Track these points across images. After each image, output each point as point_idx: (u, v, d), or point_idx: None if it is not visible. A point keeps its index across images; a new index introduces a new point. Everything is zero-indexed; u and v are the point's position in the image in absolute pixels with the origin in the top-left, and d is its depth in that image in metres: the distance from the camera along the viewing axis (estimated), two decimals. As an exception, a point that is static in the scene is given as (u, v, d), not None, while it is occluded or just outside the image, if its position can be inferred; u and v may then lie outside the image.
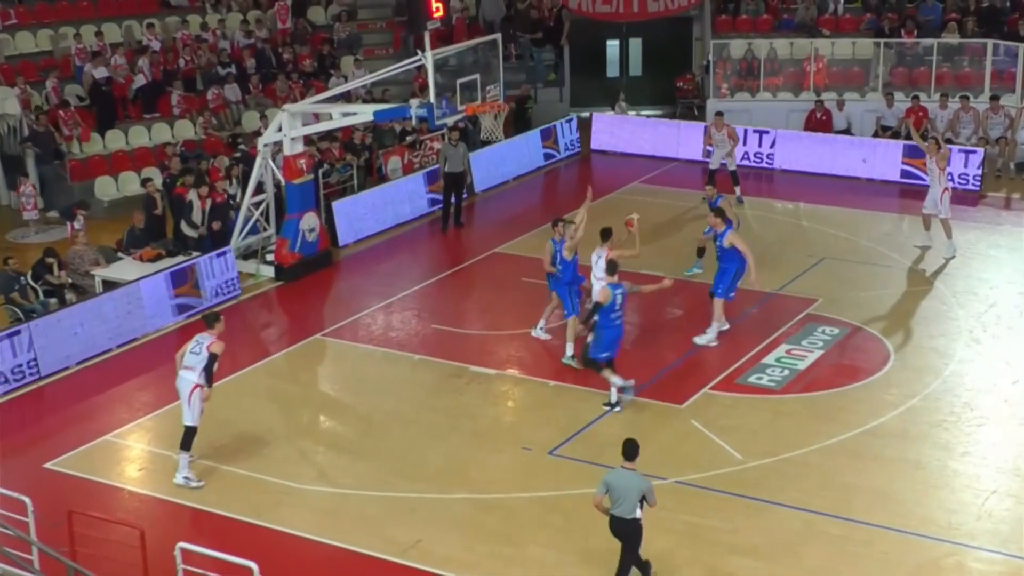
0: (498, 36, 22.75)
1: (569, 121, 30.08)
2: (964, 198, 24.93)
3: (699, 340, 18.74)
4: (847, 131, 29.12)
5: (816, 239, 23.50)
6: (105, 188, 25.99)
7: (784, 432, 16.16)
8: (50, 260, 20.32)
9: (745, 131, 27.85)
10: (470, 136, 26.78)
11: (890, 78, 30.44)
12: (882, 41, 30.75)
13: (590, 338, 16.97)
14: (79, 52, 28.48)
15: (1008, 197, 26.14)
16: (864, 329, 19.26)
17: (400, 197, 25.15)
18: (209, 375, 14.86)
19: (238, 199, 22.87)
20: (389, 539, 13.92)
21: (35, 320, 18.45)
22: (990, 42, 29.74)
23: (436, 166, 25.72)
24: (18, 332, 17.93)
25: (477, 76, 21.01)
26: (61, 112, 26.65)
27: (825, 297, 20.37)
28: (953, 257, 22.05)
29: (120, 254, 21.55)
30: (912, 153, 26.11)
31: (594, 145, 30.16)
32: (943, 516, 14.21)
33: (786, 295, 20.59)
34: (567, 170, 29.00)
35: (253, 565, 11.69)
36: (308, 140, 23.53)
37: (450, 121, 21.46)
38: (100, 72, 27.78)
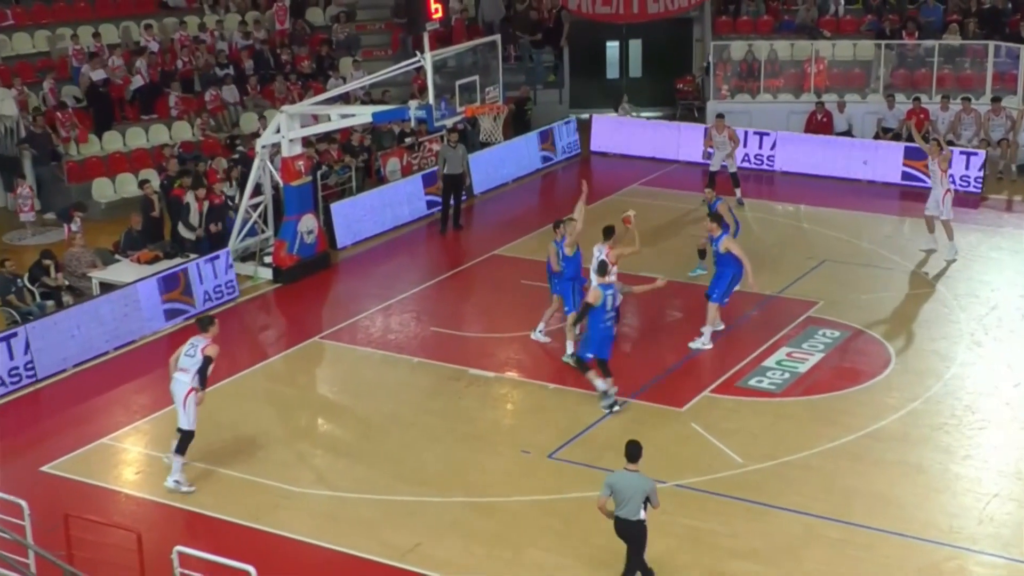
0: (497, 37, 22.71)
1: (568, 123, 30.03)
2: (965, 200, 24.87)
3: (694, 345, 18.70)
4: (848, 133, 29.09)
5: (817, 241, 23.45)
6: (102, 190, 25.93)
7: (785, 435, 16.10)
8: (47, 262, 20.26)
9: (745, 133, 27.80)
10: (469, 138, 26.72)
11: (891, 80, 30.38)
12: (883, 43, 30.68)
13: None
14: (76, 53, 28.43)
15: (1010, 199, 26.10)
16: (865, 332, 19.20)
17: (399, 199, 25.09)
18: (203, 378, 14.79)
19: (236, 201, 22.81)
20: (388, 543, 13.86)
21: (32, 322, 18.37)
22: (991, 44, 29.70)
23: (432, 169, 25.67)
24: (15, 334, 17.84)
25: (476, 77, 20.97)
26: (58, 113, 26.60)
27: (826, 300, 20.31)
28: (954, 260, 21.99)
29: (117, 256, 21.49)
30: (912, 155, 26.06)
31: (594, 147, 30.13)
32: (944, 520, 14.15)
33: (787, 297, 20.54)
34: (566, 172, 28.94)
35: (251, 569, 11.61)
36: (306, 142, 23.47)
37: (449, 123, 21.42)
38: (98, 75, 27.72)
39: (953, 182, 24.01)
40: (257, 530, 14.20)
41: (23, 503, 12.89)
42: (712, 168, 25.49)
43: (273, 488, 15.08)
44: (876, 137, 28.66)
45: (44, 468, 15.68)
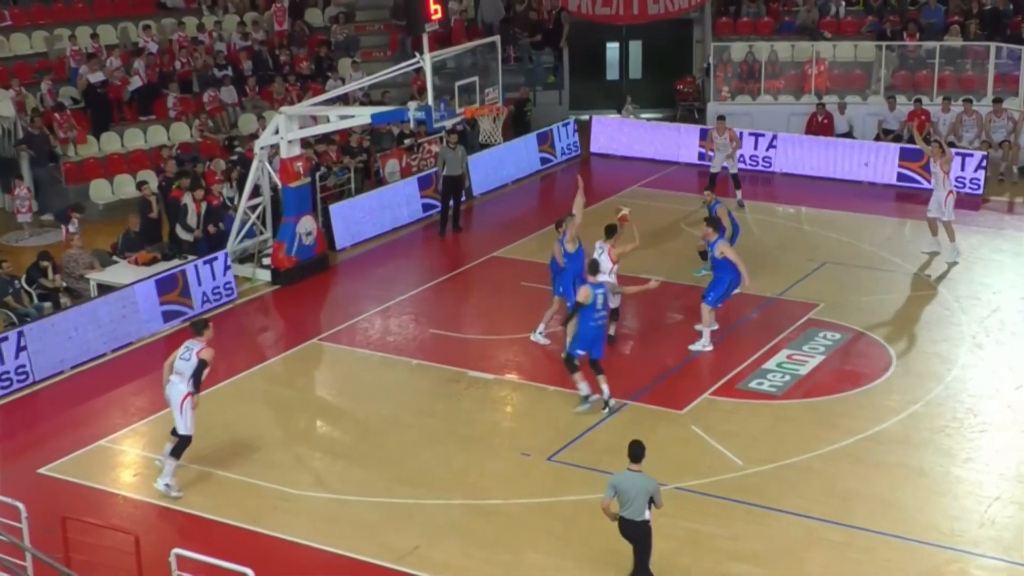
0: (497, 38, 22.68)
1: (567, 124, 29.98)
2: (967, 202, 24.82)
3: (694, 347, 18.66)
4: (849, 134, 29.04)
5: (817, 243, 23.40)
6: (100, 191, 25.88)
7: (785, 438, 16.04)
8: (44, 263, 20.21)
9: (745, 134, 27.74)
10: (468, 139, 26.66)
11: (892, 81, 30.35)
12: (884, 44, 30.65)
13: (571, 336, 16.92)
14: (74, 54, 28.37)
15: (1011, 201, 26.07)
16: (866, 334, 19.14)
17: (398, 200, 25.03)
18: (197, 381, 14.72)
19: (234, 202, 22.75)
20: (386, 545, 13.80)
21: (29, 324, 18.31)
22: (993, 45, 29.68)
23: (429, 171, 25.62)
24: (5, 338, 17.72)
25: (476, 79, 20.93)
26: (56, 114, 26.54)
27: (826, 302, 20.26)
28: (956, 262, 21.93)
29: (115, 257, 21.44)
30: (907, 156, 26.01)
31: (593, 148, 30.08)
32: (945, 523, 14.09)
33: (787, 299, 20.49)
34: (566, 173, 28.88)
35: (249, 571, 11.54)
36: (305, 143, 23.41)
37: (448, 124, 21.38)
38: (96, 75, 27.66)
39: (954, 184, 23.93)
40: (255, 532, 14.14)
41: (20, 505, 12.83)
42: (713, 169, 25.45)
43: (271, 490, 15.02)
44: (877, 139, 28.60)
45: (41, 470, 15.62)
